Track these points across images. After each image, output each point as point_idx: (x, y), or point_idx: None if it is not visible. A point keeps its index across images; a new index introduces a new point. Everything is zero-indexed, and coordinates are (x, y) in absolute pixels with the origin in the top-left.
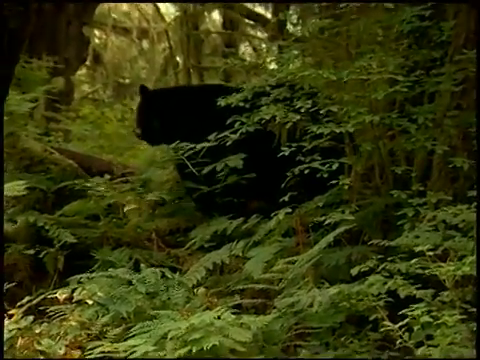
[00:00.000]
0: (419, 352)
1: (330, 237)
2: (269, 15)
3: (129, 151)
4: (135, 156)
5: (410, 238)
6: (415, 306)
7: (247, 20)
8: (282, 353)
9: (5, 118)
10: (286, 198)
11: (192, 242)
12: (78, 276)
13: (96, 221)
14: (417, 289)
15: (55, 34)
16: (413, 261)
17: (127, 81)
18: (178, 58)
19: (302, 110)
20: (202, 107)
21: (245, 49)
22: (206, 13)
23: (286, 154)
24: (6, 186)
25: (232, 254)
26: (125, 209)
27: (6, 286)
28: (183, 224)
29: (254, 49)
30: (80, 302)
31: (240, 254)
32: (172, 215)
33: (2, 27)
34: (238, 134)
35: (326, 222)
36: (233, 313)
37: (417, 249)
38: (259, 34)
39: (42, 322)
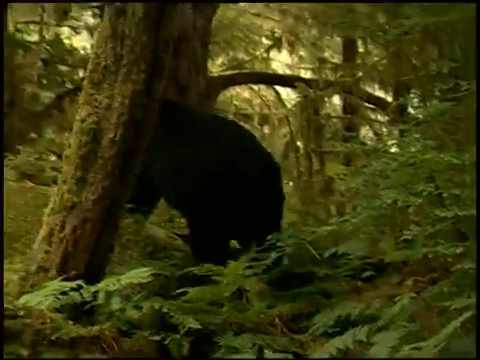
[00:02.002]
0: None
1: (457, 322)
2: (389, 98)
3: None
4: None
5: None
6: None
7: (367, 104)
8: None
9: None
10: (409, 282)
11: (315, 327)
12: None
13: (219, 306)
14: None
15: None
16: None
17: None
18: (299, 143)
19: (424, 193)
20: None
21: (366, 133)
22: (326, 98)
23: (409, 238)
24: (132, 273)
25: (356, 339)
26: (247, 294)
27: None
28: (306, 309)
29: (375, 133)
30: None
31: (364, 339)
32: (294, 299)
33: (129, 119)
34: (358, 219)
35: (452, 307)
36: None
37: None
38: (379, 118)
39: None
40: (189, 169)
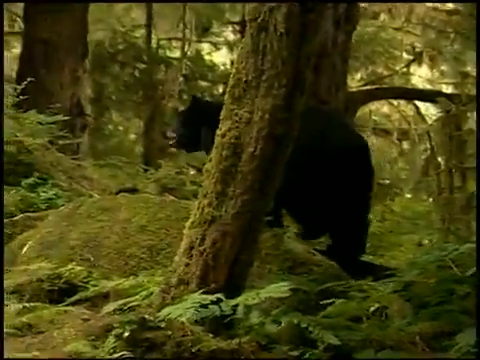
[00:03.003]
0: None
1: None
2: None
3: (390, 252)
4: (395, 257)
5: None
6: None
7: None
8: None
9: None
10: None
11: (458, 347)
12: None
13: (358, 323)
14: None
15: None
16: None
17: (387, 182)
18: (440, 159)
19: None
20: None
21: None
22: (469, 113)
23: None
24: (271, 287)
25: None
26: (386, 311)
27: None
28: (447, 327)
29: None
30: None
31: None
32: (435, 318)
33: (269, 134)
34: None
35: None
36: None
37: None
38: None
39: None
40: None
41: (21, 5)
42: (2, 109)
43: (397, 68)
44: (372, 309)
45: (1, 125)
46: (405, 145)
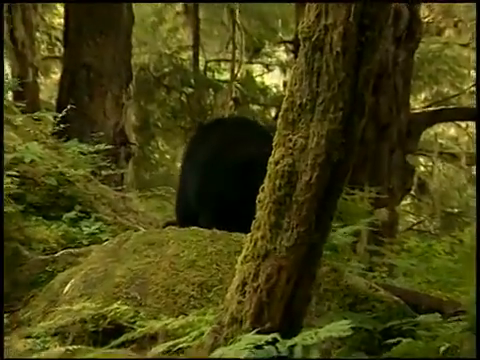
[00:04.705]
0: None
1: None
2: None
3: (460, 287)
4: (466, 293)
5: None
6: None
7: None
8: None
9: (327, 252)
10: None
11: None
12: None
13: None
14: None
15: (378, 163)
16: None
17: (456, 210)
18: None
19: None
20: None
21: None
22: None
23: None
24: (331, 326)
25: None
26: (458, 351)
27: None
28: None
29: None
30: None
31: None
32: None
33: (326, 160)
34: None
35: None
36: None
37: None
38: None
39: None
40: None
41: (61, 28)
42: (2, 111)
43: (464, 87)
44: (442, 349)
45: (1, 125)
46: (474, 171)
